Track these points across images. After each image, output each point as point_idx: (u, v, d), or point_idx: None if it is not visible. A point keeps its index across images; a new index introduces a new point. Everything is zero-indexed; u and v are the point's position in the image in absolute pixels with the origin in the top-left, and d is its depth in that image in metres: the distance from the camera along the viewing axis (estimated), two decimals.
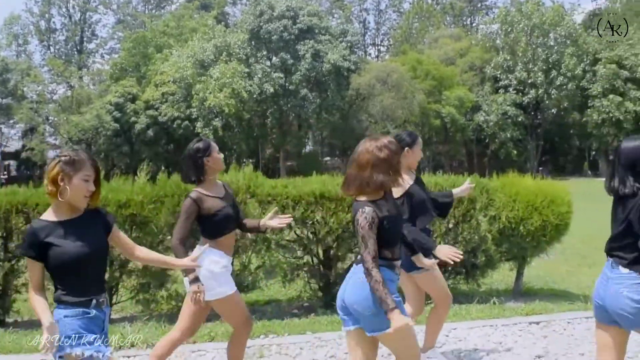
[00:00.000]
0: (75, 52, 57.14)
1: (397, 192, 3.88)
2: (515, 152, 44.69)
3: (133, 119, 40.90)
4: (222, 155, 3.86)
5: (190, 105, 40.20)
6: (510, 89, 45.56)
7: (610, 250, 3.27)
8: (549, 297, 6.80)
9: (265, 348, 4.90)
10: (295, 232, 6.15)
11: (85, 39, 57.96)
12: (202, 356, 4.77)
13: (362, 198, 2.96)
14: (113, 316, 6.30)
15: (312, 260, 6.27)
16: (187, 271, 3.53)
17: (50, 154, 47.49)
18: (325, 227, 5.89)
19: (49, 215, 2.72)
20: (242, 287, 6.19)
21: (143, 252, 3.02)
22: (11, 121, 49.41)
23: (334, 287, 6.34)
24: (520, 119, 44.75)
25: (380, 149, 2.98)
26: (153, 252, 3.13)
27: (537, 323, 5.52)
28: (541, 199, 6.45)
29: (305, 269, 6.19)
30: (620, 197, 3.22)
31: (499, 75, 46.25)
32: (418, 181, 4.27)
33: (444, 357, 4.51)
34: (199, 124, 39.49)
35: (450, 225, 6.50)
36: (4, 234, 5.87)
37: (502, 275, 7.82)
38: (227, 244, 3.77)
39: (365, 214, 2.88)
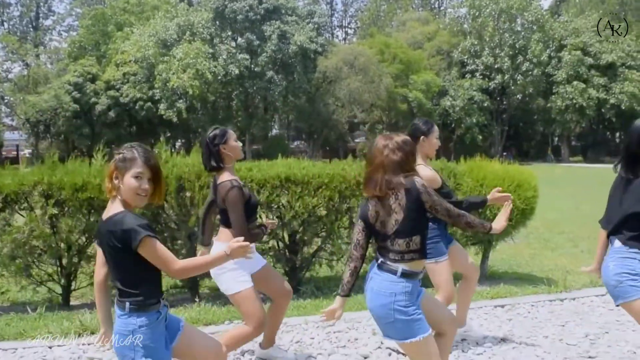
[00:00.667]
0: (31, 29, 55.10)
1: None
2: (480, 137, 45.17)
3: (93, 99, 39.78)
4: (240, 144, 3.89)
5: (152, 86, 39.39)
6: (477, 74, 45.94)
7: (614, 231, 3.34)
8: (513, 280, 6.85)
9: None
10: (260, 216, 6.04)
11: (41, 14, 55.79)
12: None
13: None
14: (72, 302, 6.13)
15: (278, 245, 6.17)
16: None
17: (7, 135, 46.00)
18: (290, 211, 5.79)
19: (105, 214, 2.67)
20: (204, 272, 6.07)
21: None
22: None
23: (300, 271, 6.28)
24: (486, 104, 45.19)
25: (394, 151, 2.95)
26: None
27: (502, 306, 5.56)
28: (508, 183, 6.45)
29: (270, 253, 6.09)
30: (624, 179, 3.28)
31: (466, 60, 46.57)
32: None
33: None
34: (162, 106, 38.78)
35: None
36: None
37: None
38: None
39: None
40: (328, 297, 5.88)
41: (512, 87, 46.24)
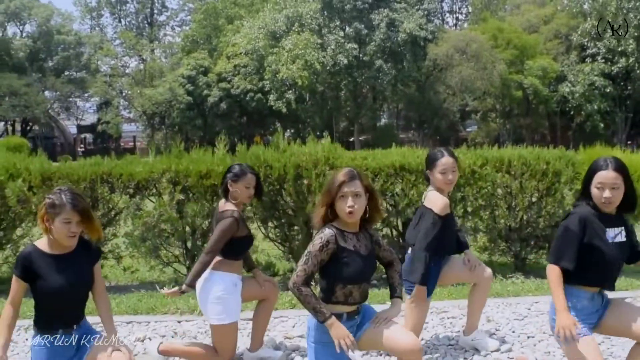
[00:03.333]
0: (146, 25, 57.88)
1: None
2: (602, 125, 42.56)
3: (206, 92, 41.09)
4: (251, 192, 3.93)
5: (262, 77, 40.21)
6: (599, 58, 43.30)
7: None
8: (634, 273, 6.48)
9: None
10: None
11: (155, 11, 58.37)
12: (283, 322, 4.89)
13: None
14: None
15: (392, 233, 6.23)
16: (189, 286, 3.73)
17: (125, 127, 48.67)
18: (405, 199, 5.84)
19: (43, 245, 2.97)
20: None
21: (100, 302, 3.12)
22: (86, 95, 50.67)
23: None
24: (608, 90, 42.44)
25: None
26: (106, 309, 3.14)
27: (623, 300, 5.30)
28: (631, 172, 6.12)
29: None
30: None
31: (586, 43, 43.99)
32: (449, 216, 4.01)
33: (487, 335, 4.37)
34: (271, 97, 39.55)
35: (534, 199, 6.30)
36: (90, 204, 6.14)
37: None
38: (239, 265, 3.91)
39: (322, 235, 2.92)
40: None
41: (638, 71, 43.16)
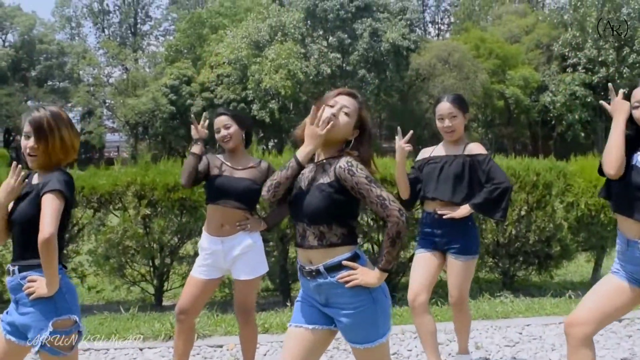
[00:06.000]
0: (130, 34, 57.45)
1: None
2: (582, 134, 42.89)
3: (189, 101, 40.80)
4: (224, 133, 3.74)
5: (245, 87, 40.01)
6: (579, 68, 43.58)
7: None
8: None
9: None
10: None
11: (139, 20, 58.09)
12: None
13: None
14: (165, 303, 6.11)
15: (372, 249, 5.88)
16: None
17: (108, 137, 48.26)
18: None
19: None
20: (291, 276, 5.89)
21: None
22: (69, 104, 50.27)
23: (395, 277, 5.95)
24: (589, 100, 42.76)
25: None
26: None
27: (620, 321, 5.00)
28: None
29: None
30: None
31: (567, 54, 44.28)
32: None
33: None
34: (254, 107, 39.34)
35: (523, 213, 6.00)
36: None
37: (576, 267, 7.28)
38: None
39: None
40: None
41: (618, 81, 43.47)
